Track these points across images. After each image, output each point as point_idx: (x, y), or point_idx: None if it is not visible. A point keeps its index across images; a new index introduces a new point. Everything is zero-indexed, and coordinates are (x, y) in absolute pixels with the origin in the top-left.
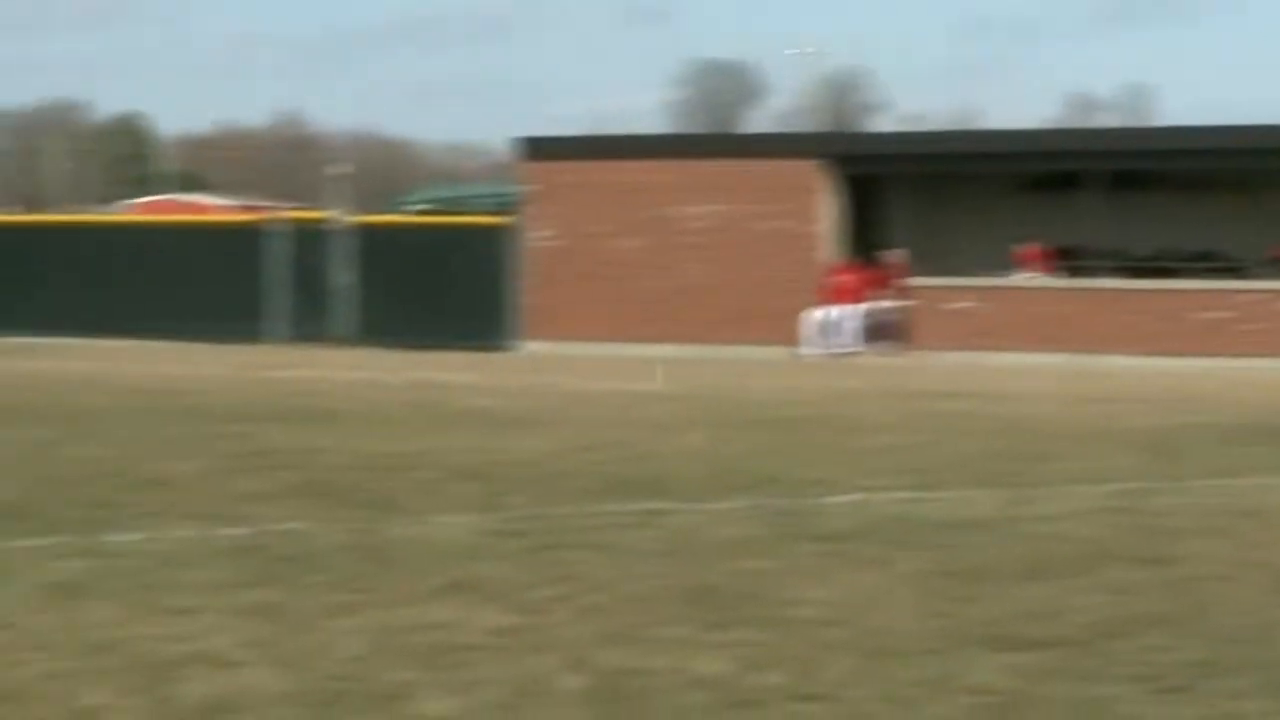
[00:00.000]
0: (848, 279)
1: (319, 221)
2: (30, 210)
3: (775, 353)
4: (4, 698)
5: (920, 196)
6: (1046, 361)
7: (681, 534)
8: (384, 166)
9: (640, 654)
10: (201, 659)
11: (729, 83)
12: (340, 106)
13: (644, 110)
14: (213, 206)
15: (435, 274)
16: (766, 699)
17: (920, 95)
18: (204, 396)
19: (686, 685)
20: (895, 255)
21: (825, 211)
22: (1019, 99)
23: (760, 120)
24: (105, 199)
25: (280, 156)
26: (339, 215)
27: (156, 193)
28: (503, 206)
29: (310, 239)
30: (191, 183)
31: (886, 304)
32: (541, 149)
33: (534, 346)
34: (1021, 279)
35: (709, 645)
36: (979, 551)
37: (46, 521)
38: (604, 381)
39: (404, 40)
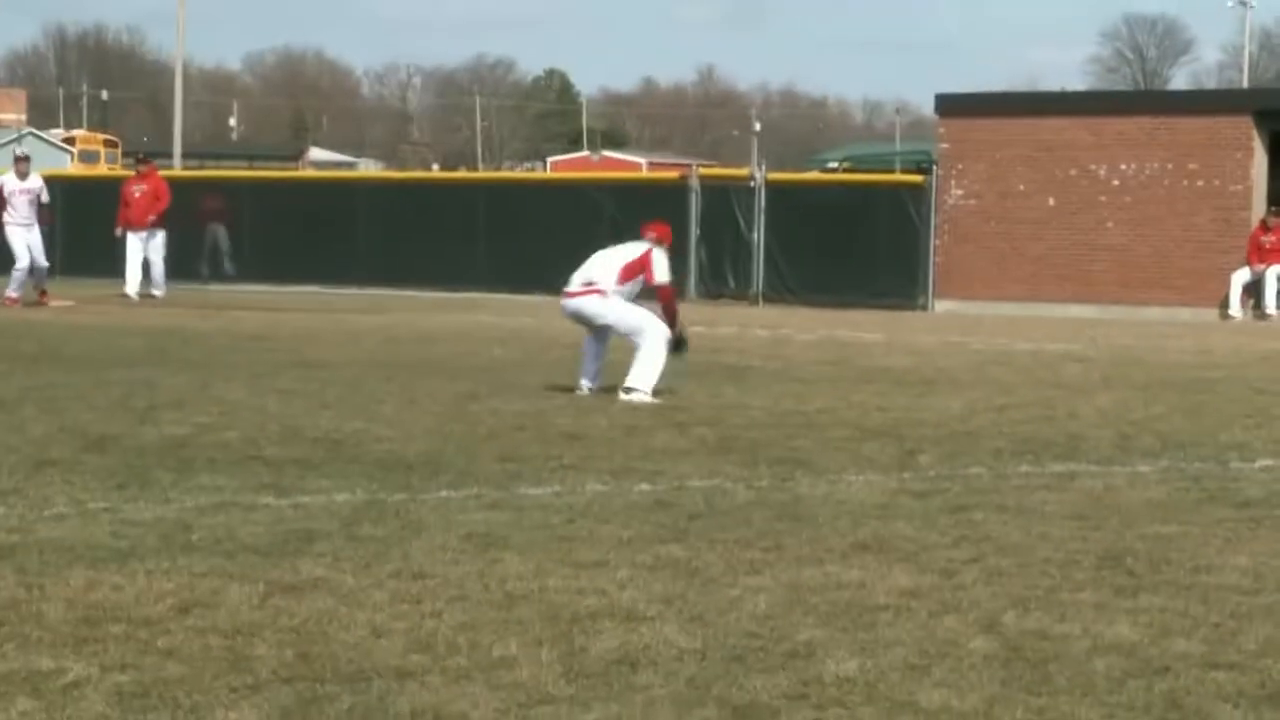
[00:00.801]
0: (1276, 239)
1: (735, 179)
2: (450, 167)
3: (1197, 314)
4: (422, 648)
5: None
6: None
7: (1093, 497)
8: (801, 124)
9: (1050, 618)
10: (612, 612)
11: (1156, 37)
12: (759, 63)
13: (1067, 66)
14: (633, 163)
15: (849, 232)
16: (1177, 667)
17: None
18: (618, 353)
19: (1095, 651)
20: None
21: (1254, 170)
22: None
23: (1188, 75)
24: (529, 155)
25: (699, 113)
26: (755, 173)
27: (579, 150)
28: (920, 165)
29: (726, 196)
30: (613, 139)
31: None
32: (960, 106)
33: (946, 305)
34: None
35: (1120, 611)
36: None
37: (463, 474)
38: (1016, 341)
39: None
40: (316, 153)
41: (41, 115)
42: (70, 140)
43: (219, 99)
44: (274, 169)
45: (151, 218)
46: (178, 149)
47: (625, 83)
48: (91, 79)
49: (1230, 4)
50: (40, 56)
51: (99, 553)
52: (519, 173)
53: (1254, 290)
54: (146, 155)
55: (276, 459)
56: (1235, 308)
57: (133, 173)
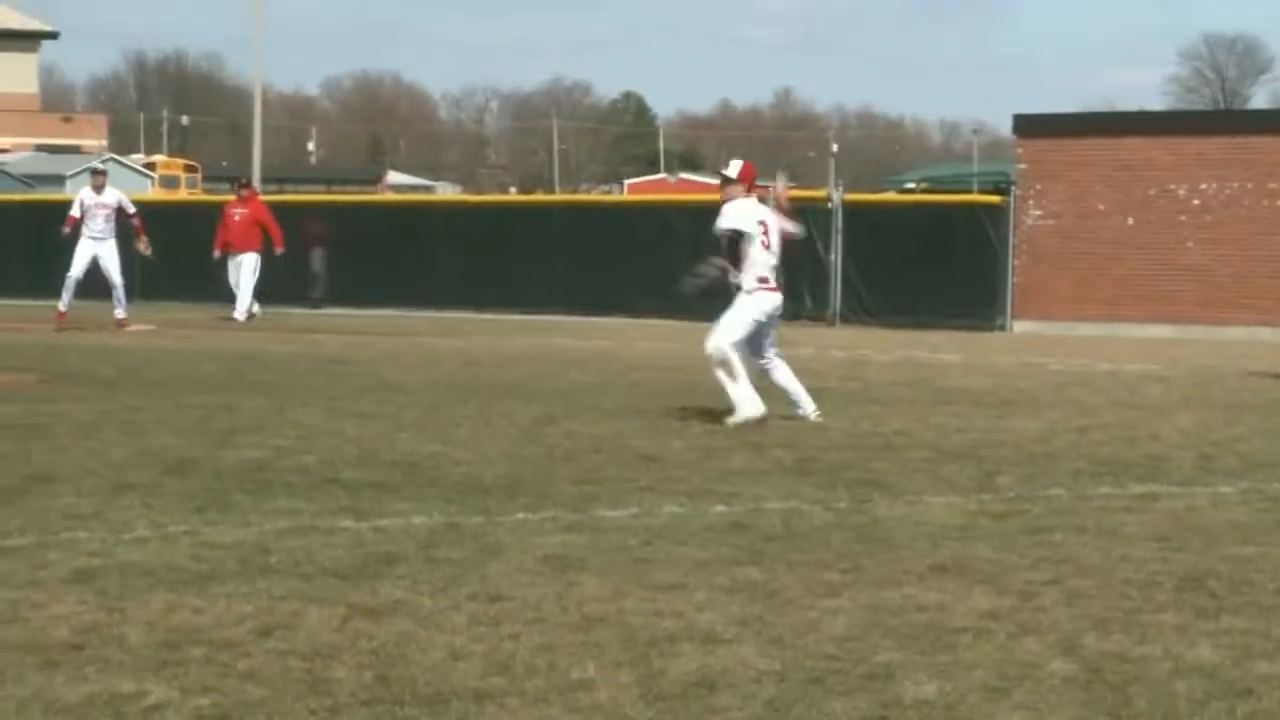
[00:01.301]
0: None
1: (812, 201)
2: (527, 190)
3: (1278, 334)
4: (500, 670)
5: None
6: None
7: (1174, 518)
8: (878, 145)
9: (1130, 640)
10: (690, 635)
11: (1235, 56)
12: (836, 85)
13: (1145, 87)
14: (710, 185)
15: (927, 253)
16: (1259, 690)
17: None
18: (696, 374)
19: (1177, 673)
20: None
21: None
22: None
23: (1268, 94)
24: (606, 178)
25: (776, 135)
26: (831, 194)
27: (657, 172)
28: (998, 185)
29: (803, 218)
30: (690, 162)
31: None
32: (1038, 126)
33: (1025, 326)
34: None
35: (1201, 633)
36: None
37: (540, 497)
38: (1096, 362)
39: (902, 18)
40: (394, 176)
41: (122, 141)
42: (151, 165)
43: (297, 124)
44: (352, 193)
45: (279, 249)
46: (257, 173)
47: (702, 105)
48: (172, 105)
49: None
50: (121, 83)
51: (179, 576)
52: (596, 195)
53: None
54: (246, 179)
55: (354, 482)
56: None
57: (232, 196)
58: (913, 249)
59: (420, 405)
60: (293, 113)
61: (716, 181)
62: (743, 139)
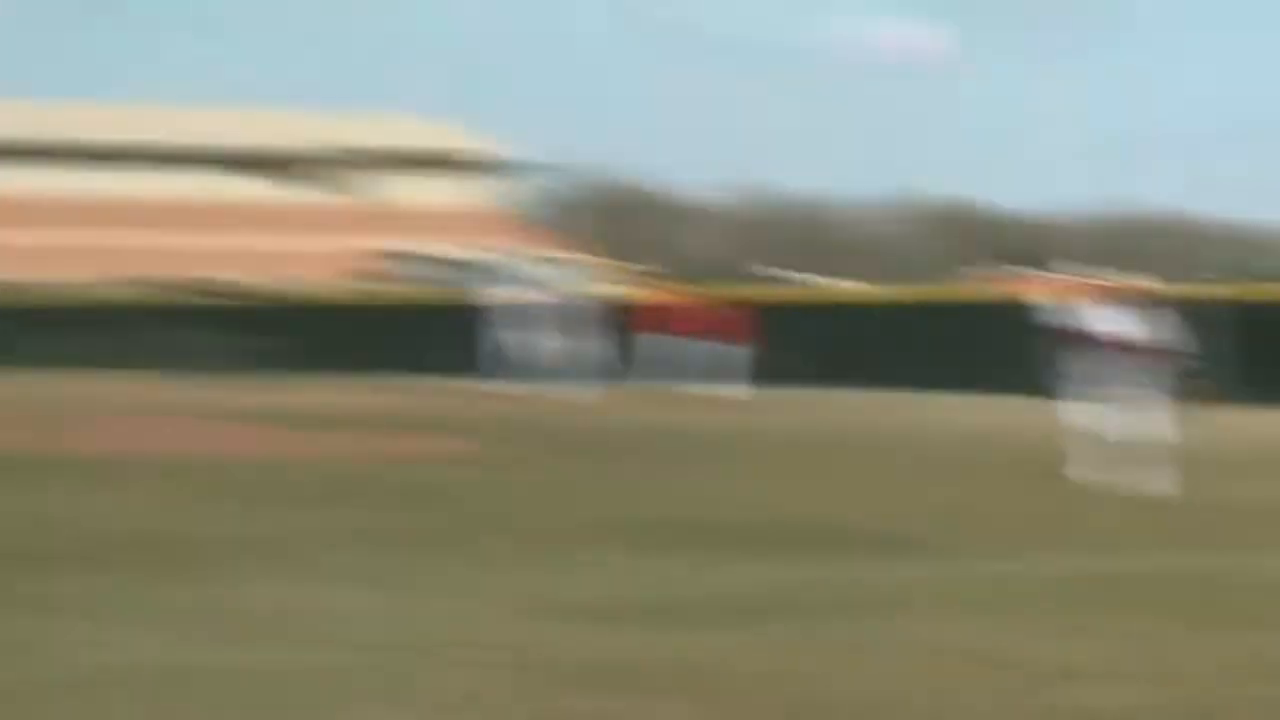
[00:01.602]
0: None
1: (1153, 292)
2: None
3: None
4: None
5: None
6: None
7: None
8: (1204, 244)
9: None
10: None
11: None
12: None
13: None
14: (1046, 280)
15: None
16: None
17: None
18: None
19: None
20: None
21: None
22: None
23: None
24: (951, 273)
25: (1106, 234)
26: (1161, 285)
27: (996, 268)
28: None
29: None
30: (1027, 259)
31: None
32: None
33: None
34: None
35: None
36: None
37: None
38: None
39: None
40: None
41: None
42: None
43: None
44: None
45: None
46: None
47: (1037, 208)
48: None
49: None
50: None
51: None
52: None
53: None
54: None
55: None
56: None
57: None
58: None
59: None
60: None
61: None
62: (1074, 239)
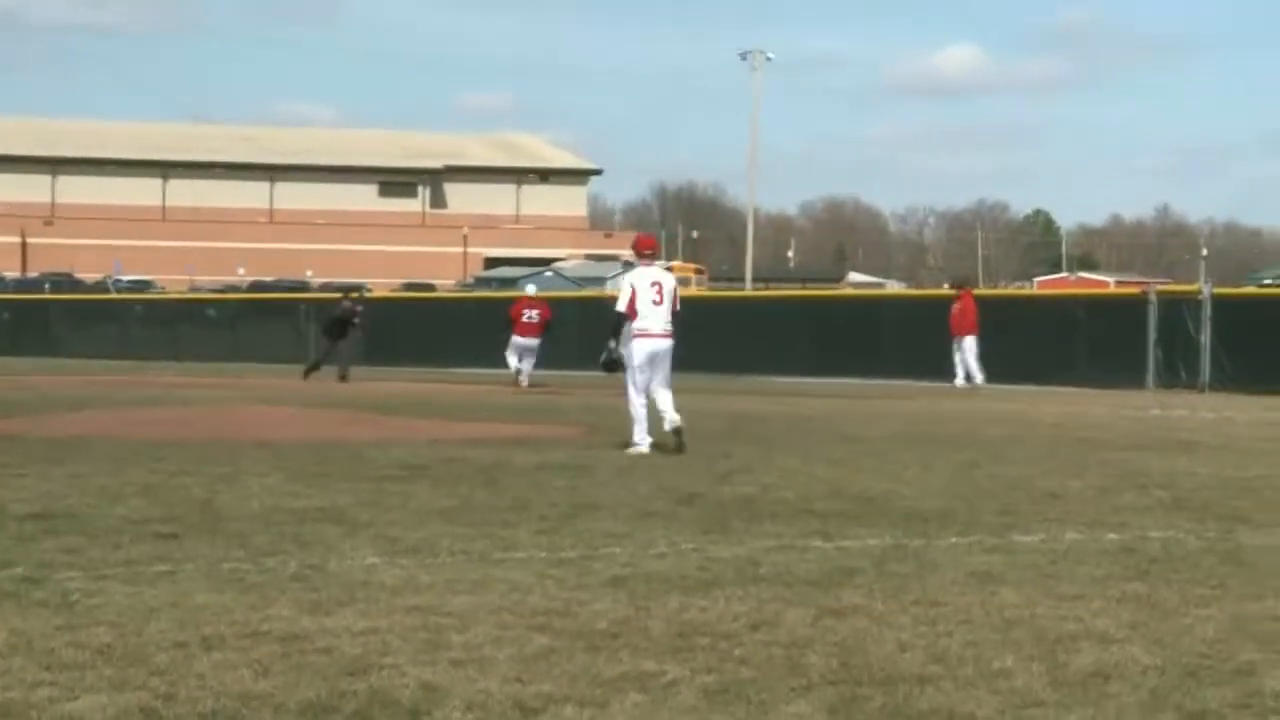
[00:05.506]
0: None
1: (1186, 293)
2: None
3: None
4: (937, 659)
5: None
6: None
7: None
8: (1240, 249)
9: None
10: (1088, 635)
11: None
12: (1207, 201)
13: None
14: (1103, 282)
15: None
16: None
17: None
18: (1093, 430)
19: None
20: None
21: None
22: None
23: None
24: (1020, 276)
25: (1157, 242)
26: (1202, 288)
27: (1060, 271)
28: None
29: (1178, 307)
30: (1087, 263)
31: None
32: None
33: None
34: None
35: None
36: None
37: (967, 524)
38: None
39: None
40: (854, 276)
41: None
42: (669, 269)
43: (779, 235)
44: (821, 288)
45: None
46: (749, 274)
47: (1096, 218)
48: (685, 222)
49: None
50: (648, 206)
51: (689, 582)
52: (1012, 290)
53: None
54: (964, 279)
55: (824, 512)
56: None
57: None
58: (1268, 331)
59: (873, 453)
60: (776, 227)
61: (1107, 279)
62: (1129, 245)
